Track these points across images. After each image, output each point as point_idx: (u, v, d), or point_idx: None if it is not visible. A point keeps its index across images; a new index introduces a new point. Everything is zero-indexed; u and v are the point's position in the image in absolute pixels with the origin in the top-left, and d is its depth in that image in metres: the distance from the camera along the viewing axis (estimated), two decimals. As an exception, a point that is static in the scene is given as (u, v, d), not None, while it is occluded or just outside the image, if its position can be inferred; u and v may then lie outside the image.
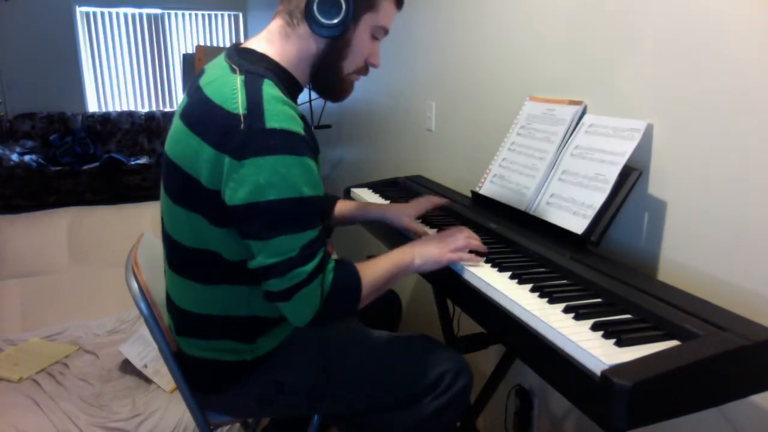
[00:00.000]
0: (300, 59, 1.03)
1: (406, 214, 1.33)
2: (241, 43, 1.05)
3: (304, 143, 0.92)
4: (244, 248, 0.96)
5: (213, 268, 1.00)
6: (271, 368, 1.09)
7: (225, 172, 0.89)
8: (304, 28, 1.01)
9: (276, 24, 1.04)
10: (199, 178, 0.92)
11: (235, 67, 0.95)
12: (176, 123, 0.99)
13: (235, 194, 0.89)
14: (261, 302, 1.02)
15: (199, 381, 1.12)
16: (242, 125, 0.87)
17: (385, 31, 1.07)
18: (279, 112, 0.89)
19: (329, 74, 1.05)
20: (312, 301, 0.93)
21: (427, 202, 1.38)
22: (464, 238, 1.10)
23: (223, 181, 0.90)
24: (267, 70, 0.97)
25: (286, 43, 1.02)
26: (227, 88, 0.92)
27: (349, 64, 1.05)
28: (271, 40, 1.03)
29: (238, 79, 0.92)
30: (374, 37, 1.06)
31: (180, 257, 1.03)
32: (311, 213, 0.93)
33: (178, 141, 0.96)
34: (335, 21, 0.97)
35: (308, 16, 0.98)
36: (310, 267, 0.92)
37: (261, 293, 0.99)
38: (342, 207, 1.39)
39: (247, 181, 0.88)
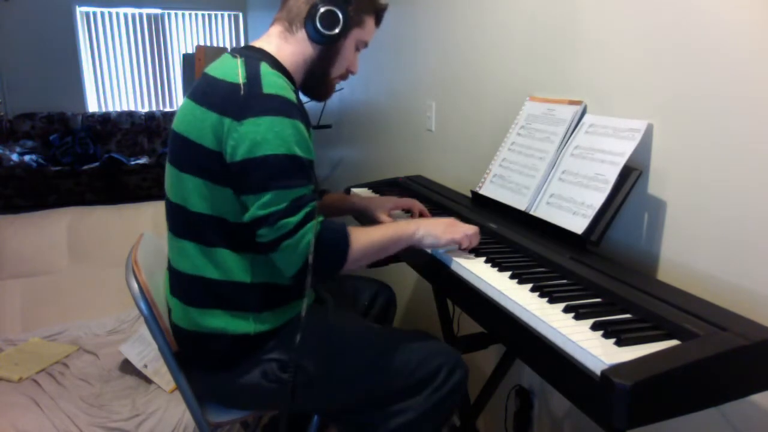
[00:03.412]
0: (295, 59, 1.15)
1: (383, 207, 1.41)
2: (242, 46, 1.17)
3: (297, 111, 1.03)
4: (244, 209, 1.02)
5: (217, 231, 1.07)
6: (274, 347, 1.12)
7: (225, 131, 0.99)
8: (302, 34, 1.14)
9: (275, 29, 1.17)
10: (203, 143, 1.02)
11: (236, 54, 1.08)
12: (184, 103, 1.10)
13: (235, 152, 0.99)
14: (265, 271, 1.09)
15: (204, 357, 1.13)
16: (242, 91, 1.00)
17: (365, 45, 1.22)
18: (275, 83, 1.02)
19: (319, 76, 1.19)
20: (297, 252, 0.99)
21: (409, 202, 1.44)
22: (468, 235, 1.14)
23: (224, 140, 1.00)
24: (265, 57, 1.09)
25: (284, 43, 1.15)
26: (229, 67, 1.05)
27: (336, 70, 1.20)
28: (269, 41, 1.16)
29: (239, 60, 1.05)
30: (357, 49, 1.21)
31: (186, 221, 1.09)
32: (302, 171, 1.01)
33: (185, 115, 1.07)
34: (333, 33, 1.11)
35: (309, 25, 1.11)
36: (296, 219, 0.99)
37: (264, 261, 1.06)
38: (327, 199, 1.48)
39: (246, 139, 0.98)
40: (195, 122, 1.04)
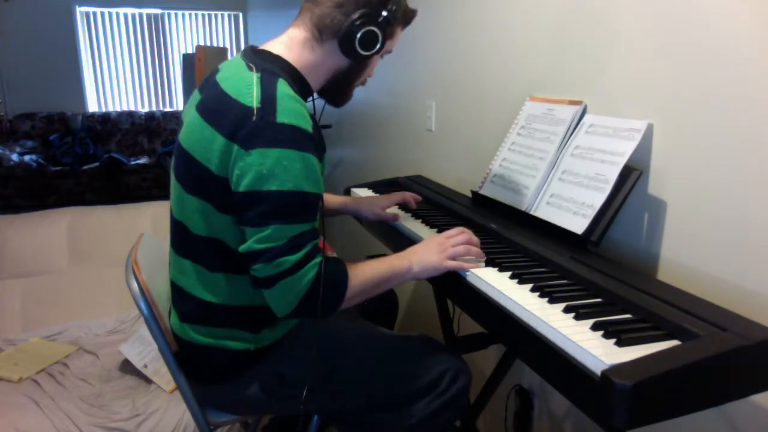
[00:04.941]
0: (317, 69, 1.09)
1: (377, 206, 1.40)
2: (256, 46, 1.09)
3: (311, 141, 0.97)
4: (243, 238, 0.98)
5: (218, 256, 1.03)
6: (274, 360, 1.11)
7: (232, 159, 0.94)
8: (331, 46, 1.07)
9: (299, 34, 1.08)
10: (209, 166, 0.97)
11: (251, 65, 1.01)
12: (192, 115, 1.03)
13: (240, 181, 0.94)
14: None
15: (202, 370, 1.12)
16: (254, 117, 0.93)
17: (390, 52, 1.17)
18: (291, 109, 0.95)
19: (343, 86, 1.15)
20: (293, 291, 0.95)
21: (399, 197, 1.43)
22: (464, 244, 1.09)
23: (230, 168, 0.95)
24: (281, 70, 1.02)
25: (308, 52, 1.08)
26: (243, 84, 0.97)
27: (359, 80, 1.17)
28: (290, 47, 1.08)
29: (255, 76, 0.98)
30: (381, 56, 1.16)
31: (188, 242, 1.06)
32: (307, 208, 0.97)
33: (192, 131, 1.01)
34: (370, 53, 1.07)
35: (346, 42, 1.04)
36: (295, 257, 0.94)
37: None
38: None
39: (252, 170, 0.92)
40: (202, 141, 0.98)
